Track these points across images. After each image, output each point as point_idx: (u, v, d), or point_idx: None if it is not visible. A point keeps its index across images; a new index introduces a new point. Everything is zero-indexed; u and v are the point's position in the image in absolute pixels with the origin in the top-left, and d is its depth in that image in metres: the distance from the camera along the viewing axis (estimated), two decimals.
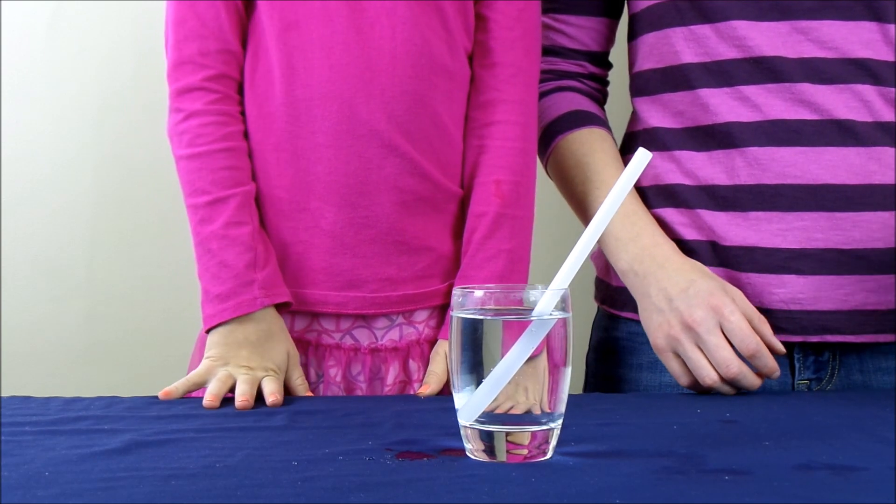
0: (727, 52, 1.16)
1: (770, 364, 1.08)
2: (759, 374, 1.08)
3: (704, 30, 1.17)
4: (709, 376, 1.06)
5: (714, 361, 1.06)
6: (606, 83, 1.33)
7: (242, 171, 1.15)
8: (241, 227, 1.12)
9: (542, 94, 1.27)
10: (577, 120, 1.24)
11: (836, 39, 1.13)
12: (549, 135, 1.26)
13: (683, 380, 1.10)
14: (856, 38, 1.13)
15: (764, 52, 1.14)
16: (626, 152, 1.27)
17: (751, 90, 1.15)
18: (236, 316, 1.10)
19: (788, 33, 1.14)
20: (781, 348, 1.09)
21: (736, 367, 1.06)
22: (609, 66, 1.32)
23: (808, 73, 1.13)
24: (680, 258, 1.14)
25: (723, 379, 1.07)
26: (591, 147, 1.22)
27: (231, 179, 1.13)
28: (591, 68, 1.29)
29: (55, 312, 1.71)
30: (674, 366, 1.10)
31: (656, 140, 1.22)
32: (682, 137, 1.20)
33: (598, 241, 1.20)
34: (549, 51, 1.28)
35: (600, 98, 1.31)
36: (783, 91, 1.14)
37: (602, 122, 1.26)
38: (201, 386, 1.06)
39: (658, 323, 1.11)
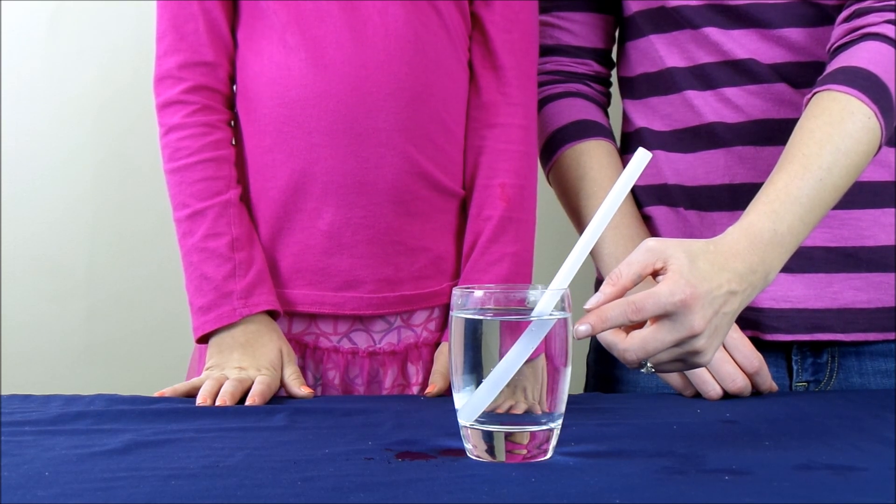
0: (706, 57, 1.17)
1: (770, 382, 1.08)
2: (757, 391, 1.08)
3: (684, 35, 1.18)
4: (713, 390, 1.06)
5: (718, 375, 1.06)
6: (610, 84, 1.33)
7: (221, 181, 1.15)
8: (219, 238, 1.13)
9: (551, 98, 1.27)
10: (582, 130, 1.24)
11: (804, 44, 1.14)
12: (554, 144, 1.25)
13: (687, 392, 1.09)
14: (818, 43, 1.14)
15: (738, 55, 1.15)
16: (620, 153, 1.27)
17: (732, 92, 1.16)
18: (218, 327, 1.11)
19: (759, 40, 1.15)
20: (774, 386, 1.09)
21: (742, 381, 1.06)
22: (612, 64, 1.32)
23: (783, 76, 1.14)
24: None
25: (726, 393, 1.07)
26: (594, 162, 1.22)
27: (208, 191, 1.14)
28: (597, 67, 1.29)
29: (55, 312, 1.71)
30: (674, 379, 1.10)
31: (644, 141, 1.22)
32: (670, 139, 1.21)
33: (594, 258, 1.20)
34: (555, 49, 1.28)
35: (605, 102, 1.32)
36: (762, 92, 1.15)
37: (607, 133, 1.26)
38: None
39: None
